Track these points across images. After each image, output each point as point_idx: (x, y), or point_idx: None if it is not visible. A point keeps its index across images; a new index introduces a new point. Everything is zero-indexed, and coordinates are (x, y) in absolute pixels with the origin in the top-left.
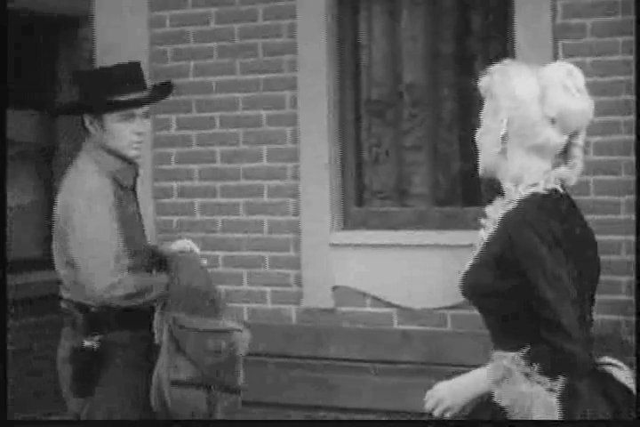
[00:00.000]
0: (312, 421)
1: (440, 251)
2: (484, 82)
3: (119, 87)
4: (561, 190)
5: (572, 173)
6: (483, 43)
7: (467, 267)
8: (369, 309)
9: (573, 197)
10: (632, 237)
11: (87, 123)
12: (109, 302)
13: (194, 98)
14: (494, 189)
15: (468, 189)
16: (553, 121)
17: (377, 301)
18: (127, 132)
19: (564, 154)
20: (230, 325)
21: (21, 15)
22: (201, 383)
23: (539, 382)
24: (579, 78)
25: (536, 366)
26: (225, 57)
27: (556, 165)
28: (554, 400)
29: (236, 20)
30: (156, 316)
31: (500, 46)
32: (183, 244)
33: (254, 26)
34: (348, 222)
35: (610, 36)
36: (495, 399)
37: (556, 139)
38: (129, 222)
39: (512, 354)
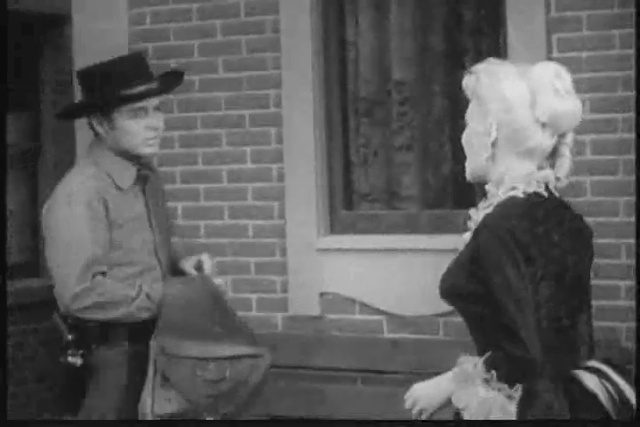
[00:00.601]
0: (311, 420)
1: (431, 255)
2: (469, 82)
3: (125, 81)
4: (544, 193)
5: (557, 174)
6: (474, 37)
7: (446, 268)
8: (358, 316)
9: (569, 199)
10: (631, 240)
11: (95, 124)
12: (79, 314)
13: (175, 98)
14: (483, 192)
15: (461, 190)
16: (544, 125)
17: (366, 308)
18: (139, 128)
19: (553, 154)
20: (245, 350)
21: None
22: (195, 417)
23: (498, 389)
24: (567, 79)
25: (494, 373)
26: (207, 54)
27: (542, 167)
28: (512, 408)
29: (217, 16)
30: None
31: (493, 41)
32: (192, 263)
33: (237, 22)
34: (336, 226)
35: (606, 29)
36: (453, 402)
37: (547, 141)
38: (126, 226)
39: (476, 359)
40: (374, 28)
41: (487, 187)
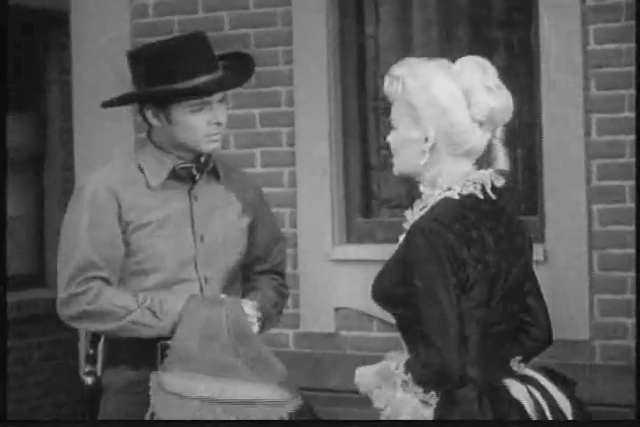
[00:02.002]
0: (313, 421)
1: None
2: (393, 87)
3: (186, 70)
4: (479, 195)
5: (498, 167)
6: (504, 29)
7: (379, 271)
8: (375, 333)
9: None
10: None
11: (150, 115)
12: (70, 323)
13: None
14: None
15: None
16: (480, 124)
17: (384, 324)
18: (201, 123)
19: (487, 149)
20: (264, 394)
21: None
22: None
23: (414, 393)
24: (494, 72)
25: (410, 376)
26: (214, 49)
27: (477, 164)
28: (427, 413)
29: (225, 7)
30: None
31: (524, 33)
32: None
33: (246, 14)
34: (353, 235)
35: None
36: (371, 398)
37: (484, 139)
38: (149, 229)
39: (400, 358)
40: (395, 19)
41: (421, 187)
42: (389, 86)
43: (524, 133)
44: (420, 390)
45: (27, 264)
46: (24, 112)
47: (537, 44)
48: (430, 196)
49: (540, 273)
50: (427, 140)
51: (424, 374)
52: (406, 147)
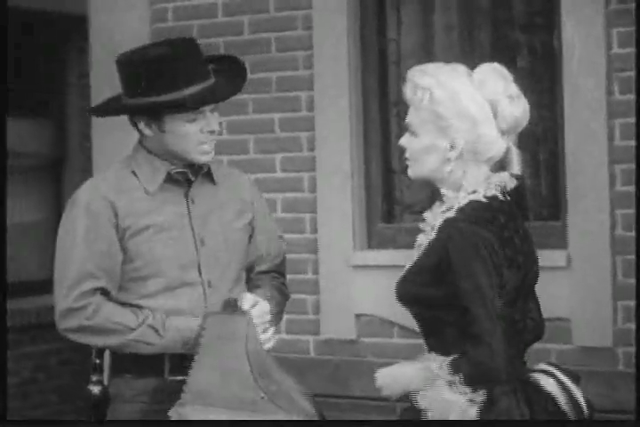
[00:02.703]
0: (313, 421)
1: None
2: (417, 96)
3: (179, 80)
4: (501, 197)
5: (512, 171)
6: (526, 32)
7: (404, 272)
8: (396, 340)
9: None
10: None
11: (142, 126)
12: (67, 336)
13: None
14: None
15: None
16: (503, 132)
17: (406, 331)
18: (194, 131)
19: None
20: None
21: (28, 14)
22: None
23: (461, 392)
24: (512, 79)
25: (459, 376)
26: (233, 53)
27: (495, 169)
28: (473, 412)
29: (245, 11)
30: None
31: (547, 36)
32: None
33: (266, 18)
34: (374, 241)
35: None
36: (414, 400)
37: (505, 145)
38: (146, 234)
39: (441, 359)
40: (417, 22)
41: (443, 190)
42: (413, 95)
43: (546, 138)
44: (468, 389)
45: (46, 269)
46: (43, 116)
47: (560, 48)
48: (454, 198)
49: (562, 279)
50: (452, 148)
51: (475, 374)
52: (427, 153)
